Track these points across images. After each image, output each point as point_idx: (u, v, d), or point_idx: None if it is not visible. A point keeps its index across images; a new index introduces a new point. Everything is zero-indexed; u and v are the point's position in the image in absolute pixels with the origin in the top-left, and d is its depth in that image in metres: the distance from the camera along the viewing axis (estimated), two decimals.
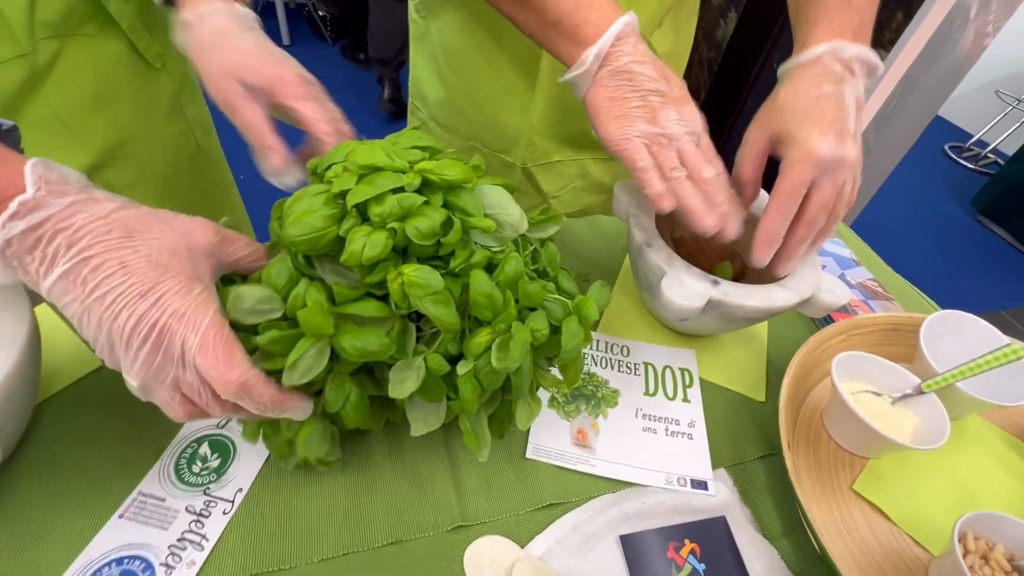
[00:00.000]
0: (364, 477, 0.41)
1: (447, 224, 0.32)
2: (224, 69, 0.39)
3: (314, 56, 2.80)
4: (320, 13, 2.87)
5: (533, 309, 0.36)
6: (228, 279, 0.34)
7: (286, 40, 2.89)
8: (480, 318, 0.33)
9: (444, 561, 0.37)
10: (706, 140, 0.44)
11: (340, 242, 0.31)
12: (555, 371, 0.42)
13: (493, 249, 0.35)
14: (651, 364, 0.52)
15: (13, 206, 0.24)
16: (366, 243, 0.29)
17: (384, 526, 0.38)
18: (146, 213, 0.29)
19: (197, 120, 0.64)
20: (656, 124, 0.41)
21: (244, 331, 0.31)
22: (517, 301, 0.34)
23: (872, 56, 0.43)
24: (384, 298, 0.33)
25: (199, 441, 0.41)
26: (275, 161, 0.39)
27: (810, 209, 0.42)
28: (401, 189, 0.31)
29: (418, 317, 0.35)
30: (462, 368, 0.33)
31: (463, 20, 0.62)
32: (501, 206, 0.35)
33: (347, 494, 0.40)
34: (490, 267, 0.34)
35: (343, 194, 0.31)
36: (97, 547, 0.34)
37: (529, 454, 0.44)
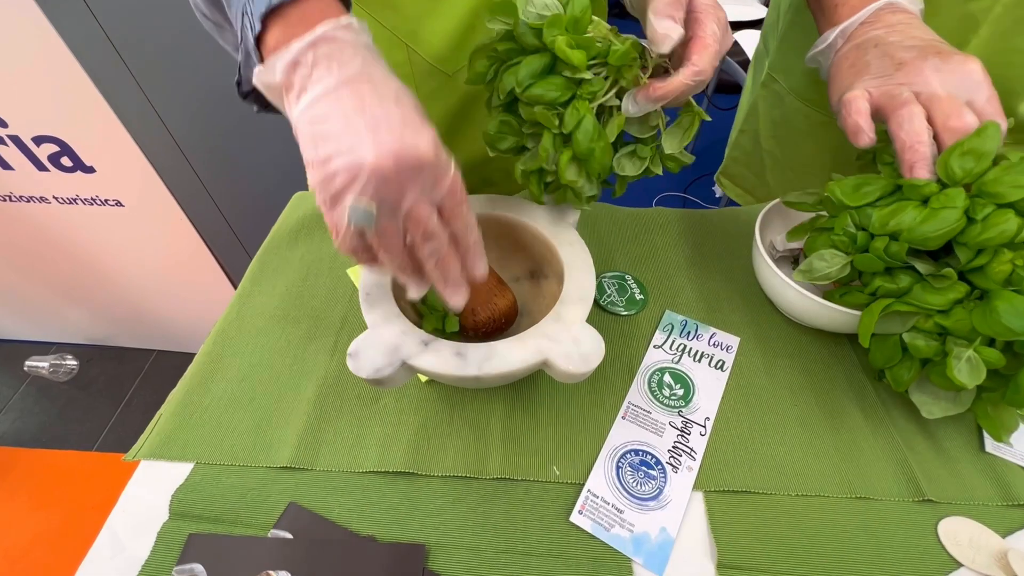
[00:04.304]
0: (820, 435, 0.44)
1: None
2: None
3: None
4: None
5: None
6: None
7: None
8: None
9: (915, 529, 0.39)
10: (983, 95, 0.38)
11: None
12: None
13: None
14: None
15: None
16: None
17: (841, 476, 0.41)
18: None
19: None
20: (894, 78, 0.40)
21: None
22: None
23: None
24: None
25: (661, 371, 0.48)
26: None
27: None
28: None
29: None
30: None
31: None
32: None
33: (805, 428, 0.44)
34: None
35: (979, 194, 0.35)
36: (616, 437, 0.43)
37: (988, 448, 0.42)
